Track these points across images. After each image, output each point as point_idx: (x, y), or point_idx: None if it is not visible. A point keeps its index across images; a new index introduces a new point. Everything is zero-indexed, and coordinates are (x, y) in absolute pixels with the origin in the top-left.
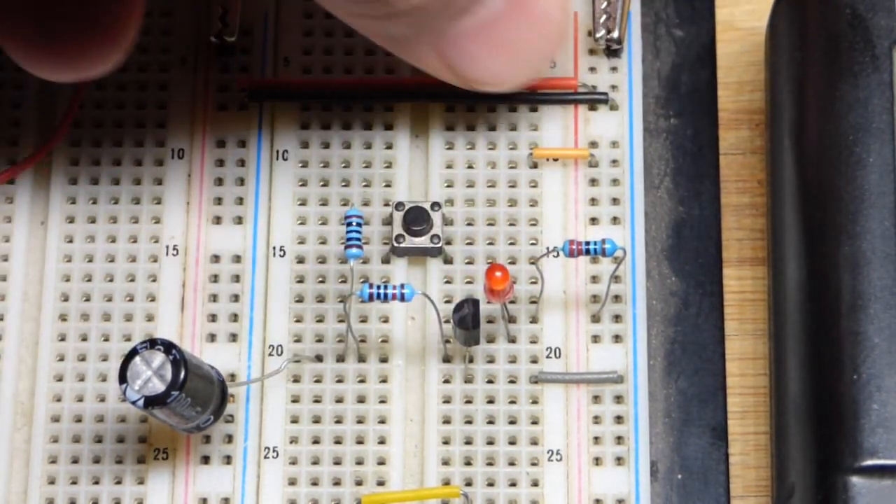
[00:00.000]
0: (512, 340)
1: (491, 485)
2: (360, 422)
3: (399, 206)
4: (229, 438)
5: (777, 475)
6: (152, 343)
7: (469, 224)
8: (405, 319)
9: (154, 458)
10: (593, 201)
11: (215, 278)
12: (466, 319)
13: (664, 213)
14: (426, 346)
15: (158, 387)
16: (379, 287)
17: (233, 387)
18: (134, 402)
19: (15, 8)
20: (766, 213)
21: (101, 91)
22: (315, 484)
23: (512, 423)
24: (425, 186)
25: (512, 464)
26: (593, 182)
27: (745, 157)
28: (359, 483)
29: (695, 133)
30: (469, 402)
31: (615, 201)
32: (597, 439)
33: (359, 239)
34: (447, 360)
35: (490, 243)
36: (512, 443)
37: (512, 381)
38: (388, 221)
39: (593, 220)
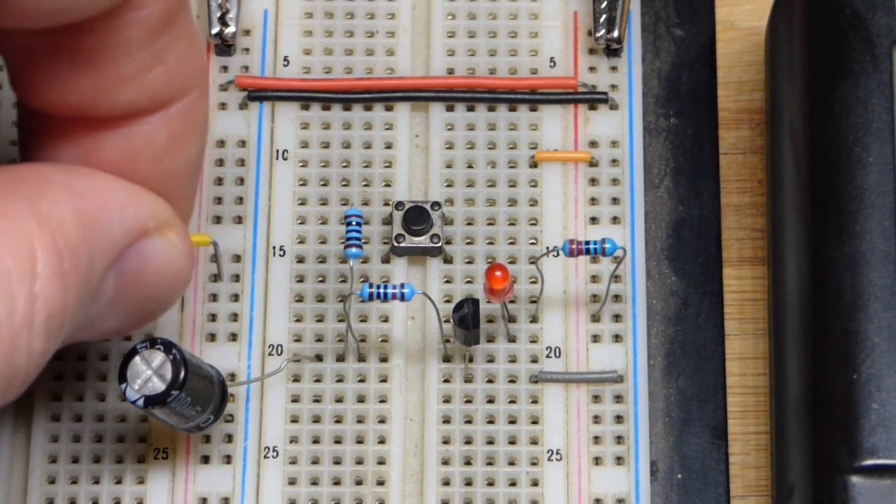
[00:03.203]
0: (512, 340)
1: (491, 484)
2: (359, 421)
3: (399, 205)
4: (229, 438)
5: (777, 475)
6: (152, 342)
7: (469, 224)
8: (405, 319)
9: (154, 457)
10: (593, 201)
11: (215, 278)
12: (466, 319)
13: (664, 213)
14: (426, 345)
15: (158, 386)
16: (379, 286)
17: (233, 386)
18: (134, 402)
19: None
20: (766, 213)
21: None
22: (315, 483)
23: (512, 422)
24: (425, 186)
25: (512, 463)
26: (593, 182)
27: (745, 156)
28: (359, 483)
29: (695, 133)
30: (469, 401)
31: (615, 201)
32: (597, 439)
33: (359, 238)
34: (447, 359)
35: (490, 243)
36: (512, 442)
37: (512, 381)
38: (388, 221)
39: (593, 220)
